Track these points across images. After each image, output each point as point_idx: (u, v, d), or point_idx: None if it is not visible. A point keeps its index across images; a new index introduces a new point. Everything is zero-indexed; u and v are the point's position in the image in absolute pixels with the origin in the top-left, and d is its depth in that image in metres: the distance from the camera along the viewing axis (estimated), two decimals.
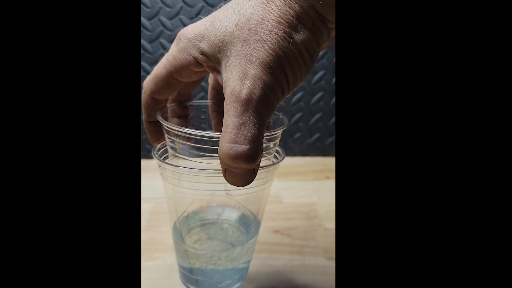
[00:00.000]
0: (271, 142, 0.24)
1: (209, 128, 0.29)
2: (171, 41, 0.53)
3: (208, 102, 0.28)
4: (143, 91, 0.23)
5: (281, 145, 0.63)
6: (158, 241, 0.40)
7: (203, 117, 0.29)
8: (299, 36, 0.18)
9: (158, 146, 0.27)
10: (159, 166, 0.25)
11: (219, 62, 0.19)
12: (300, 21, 0.18)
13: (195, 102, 0.28)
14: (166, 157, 0.26)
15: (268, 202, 0.49)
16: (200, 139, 0.22)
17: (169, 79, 0.22)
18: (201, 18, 0.21)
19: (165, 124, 0.23)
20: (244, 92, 0.18)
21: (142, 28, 0.52)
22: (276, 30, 0.17)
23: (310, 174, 0.57)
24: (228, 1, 0.20)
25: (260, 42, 0.17)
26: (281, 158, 0.26)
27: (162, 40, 0.53)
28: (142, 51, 0.54)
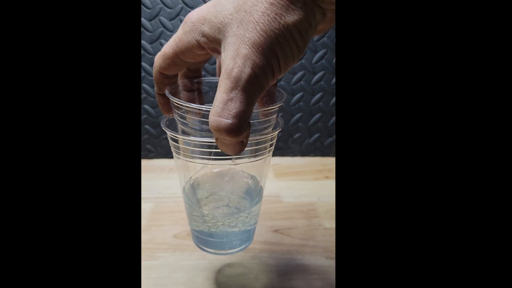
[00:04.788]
0: (271, 117, 0.26)
1: None
2: None
3: (218, 78, 0.30)
4: (153, 65, 0.25)
5: (280, 145, 0.63)
6: (158, 241, 0.40)
7: (211, 93, 0.30)
8: (290, 18, 0.18)
9: (167, 118, 0.29)
10: (169, 137, 0.28)
11: (219, 43, 0.20)
12: (292, 1, 0.18)
13: (204, 78, 0.30)
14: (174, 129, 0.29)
15: (267, 202, 0.49)
16: (206, 113, 0.24)
17: (175, 59, 0.23)
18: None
19: (172, 99, 0.25)
20: (235, 71, 0.19)
21: (142, 29, 0.52)
22: (269, 12, 0.18)
23: (309, 174, 0.57)
24: None
25: (253, 24, 0.18)
26: (279, 128, 0.28)
27: (163, 41, 0.53)
28: (143, 52, 0.54)
